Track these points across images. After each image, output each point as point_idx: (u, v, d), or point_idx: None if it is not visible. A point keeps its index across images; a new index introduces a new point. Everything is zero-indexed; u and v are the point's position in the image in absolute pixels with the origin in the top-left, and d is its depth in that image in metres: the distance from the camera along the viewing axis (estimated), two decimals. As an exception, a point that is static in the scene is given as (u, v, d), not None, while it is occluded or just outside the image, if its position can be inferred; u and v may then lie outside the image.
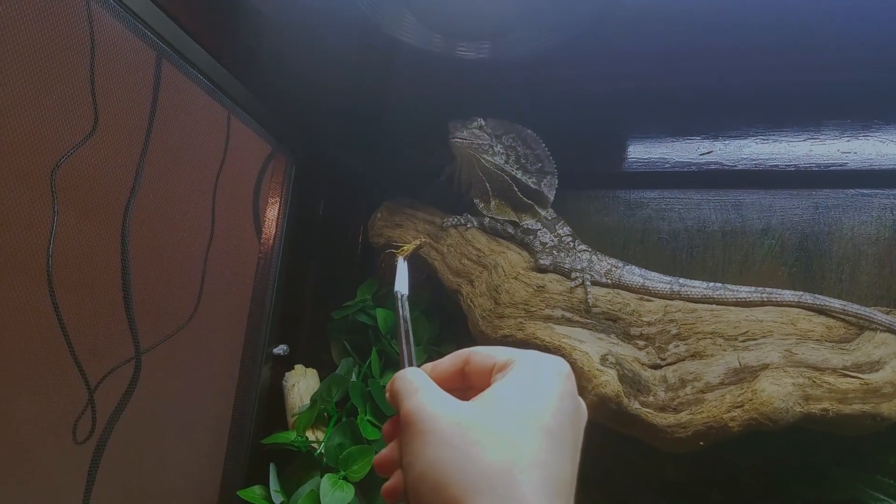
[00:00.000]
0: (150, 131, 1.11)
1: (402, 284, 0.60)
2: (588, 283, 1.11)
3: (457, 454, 0.41)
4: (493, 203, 1.25)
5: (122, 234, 1.06)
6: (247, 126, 1.27)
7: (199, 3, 1.06)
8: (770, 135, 1.29)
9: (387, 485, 0.47)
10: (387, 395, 0.50)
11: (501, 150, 1.24)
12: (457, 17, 1.15)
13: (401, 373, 0.49)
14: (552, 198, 1.25)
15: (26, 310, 1.00)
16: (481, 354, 0.50)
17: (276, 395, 1.28)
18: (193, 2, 1.05)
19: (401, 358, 0.53)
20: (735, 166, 1.29)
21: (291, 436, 1.15)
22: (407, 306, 0.57)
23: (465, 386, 0.49)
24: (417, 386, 0.47)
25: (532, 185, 1.24)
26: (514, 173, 1.23)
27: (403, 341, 0.54)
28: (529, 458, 0.41)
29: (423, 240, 0.76)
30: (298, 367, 1.29)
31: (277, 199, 1.32)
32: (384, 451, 0.49)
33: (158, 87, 1.12)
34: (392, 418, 0.50)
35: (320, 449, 1.12)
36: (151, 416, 1.17)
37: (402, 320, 0.56)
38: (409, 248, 0.71)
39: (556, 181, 1.26)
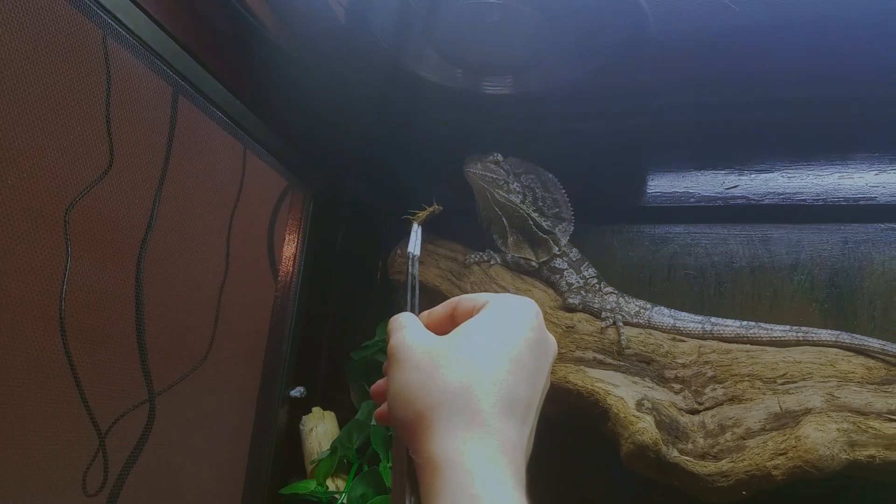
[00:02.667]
0: (166, 168, 1.08)
1: (414, 246, 0.69)
2: (620, 323, 1.07)
3: (423, 376, 0.47)
4: (510, 239, 1.23)
5: (137, 274, 1.02)
6: (263, 161, 1.24)
7: (216, 37, 1.03)
8: (797, 168, 1.27)
9: (379, 409, 0.57)
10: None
11: (518, 189, 1.21)
12: (478, 53, 1.13)
13: (395, 315, 0.56)
14: (564, 242, 1.23)
15: (37, 355, 0.96)
16: (466, 299, 0.56)
17: (293, 440, 1.23)
18: (211, 36, 1.02)
19: (406, 307, 0.61)
20: (762, 200, 1.27)
21: (311, 485, 1.10)
22: (417, 265, 0.67)
23: (454, 328, 0.54)
24: (404, 324, 0.54)
25: (546, 227, 1.21)
26: (529, 212, 1.21)
27: (409, 293, 0.63)
28: (487, 379, 0.46)
29: (437, 207, 0.77)
30: (316, 410, 1.25)
31: (295, 234, 1.29)
32: (380, 382, 0.57)
33: (174, 123, 1.08)
34: None
35: (342, 499, 1.07)
36: (165, 465, 1.13)
37: (410, 276, 0.65)
38: (423, 214, 0.78)
39: (572, 228, 1.24)
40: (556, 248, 1.22)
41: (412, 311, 0.61)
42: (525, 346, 0.50)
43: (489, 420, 0.45)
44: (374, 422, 1.20)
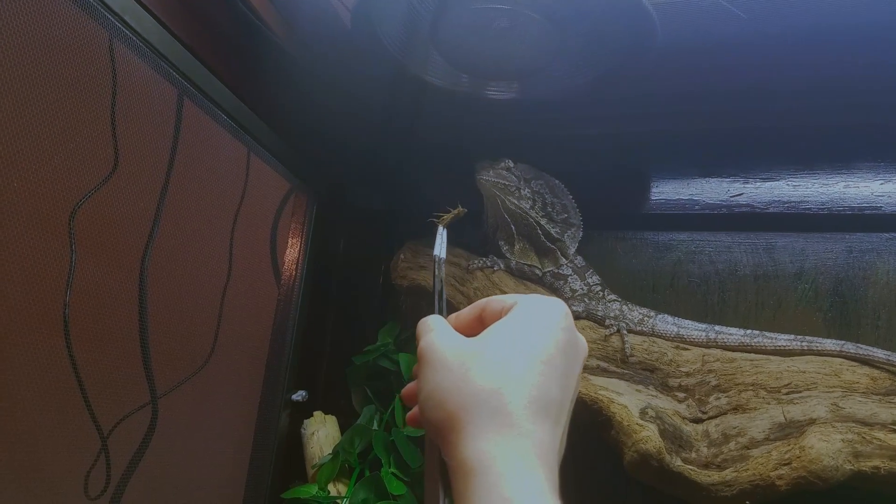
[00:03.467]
0: (171, 170, 1.07)
1: (440, 249, 0.69)
2: (624, 330, 1.07)
3: (456, 377, 0.47)
4: (517, 246, 1.23)
5: (141, 277, 1.02)
6: (266, 164, 1.24)
7: (222, 40, 1.03)
8: (802, 177, 1.26)
9: (410, 412, 0.57)
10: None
11: (528, 195, 1.21)
12: (484, 58, 1.13)
13: (423, 318, 0.57)
14: (574, 249, 1.23)
15: (40, 357, 0.96)
16: (495, 300, 0.56)
17: (295, 444, 1.23)
18: (217, 40, 1.02)
19: (434, 310, 0.61)
20: (766, 209, 1.26)
21: (313, 490, 1.10)
22: (443, 268, 0.66)
23: (482, 330, 0.54)
24: (432, 327, 0.54)
25: (555, 234, 1.21)
26: (538, 219, 1.21)
27: (437, 297, 0.63)
28: (518, 381, 0.46)
29: (461, 209, 0.78)
30: (317, 414, 1.24)
31: (298, 238, 1.28)
32: (410, 385, 0.57)
33: (179, 125, 1.08)
34: None
35: (343, 504, 1.07)
36: (167, 468, 1.12)
37: (437, 280, 0.65)
38: (449, 217, 0.77)
39: (581, 234, 1.24)
40: (563, 259, 1.21)
41: (440, 313, 0.60)
42: (555, 347, 0.50)
43: (521, 422, 0.45)
44: (375, 425, 1.20)
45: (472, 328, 0.56)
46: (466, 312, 0.58)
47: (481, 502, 0.41)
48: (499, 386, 0.46)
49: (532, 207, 1.21)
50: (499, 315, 0.54)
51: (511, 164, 1.20)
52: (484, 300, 0.57)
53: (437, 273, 0.65)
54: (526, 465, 0.43)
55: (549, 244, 1.22)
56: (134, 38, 0.87)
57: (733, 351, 1.08)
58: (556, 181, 1.24)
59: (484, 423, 0.44)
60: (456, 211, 0.80)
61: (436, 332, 0.53)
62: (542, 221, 1.21)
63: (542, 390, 0.47)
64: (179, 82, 0.98)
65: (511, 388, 0.46)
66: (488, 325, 0.53)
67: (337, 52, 1.14)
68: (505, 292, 1.19)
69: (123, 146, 1.01)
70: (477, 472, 0.42)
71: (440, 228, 0.73)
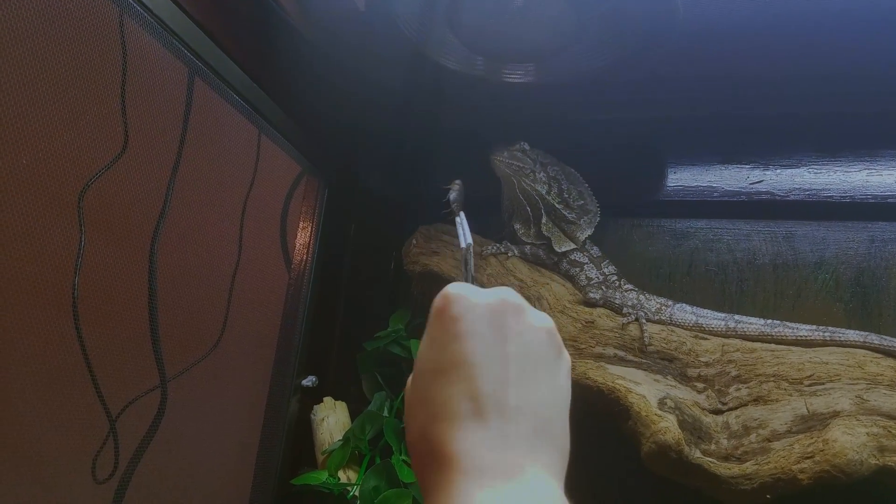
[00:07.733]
0: (181, 151, 1.05)
1: (465, 237, 0.62)
2: (643, 319, 1.05)
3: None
4: (532, 230, 1.21)
5: (150, 258, 1.00)
6: (277, 146, 1.22)
7: (235, 19, 1.01)
8: (824, 164, 1.23)
9: None
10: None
11: (544, 179, 1.19)
12: (501, 40, 1.11)
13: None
14: (588, 234, 1.21)
15: (49, 339, 0.94)
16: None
17: (304, 429, 1.22)
18: (230, 18, 1.00)
19: None
20: (787, 196, 1.24)
21: (323, 476, 1.08)
22: (472, 256, 0.61)
23: None
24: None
25: (570, 218, 1.19)
26: (553, 203, 1.19)
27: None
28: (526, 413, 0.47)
29: (456, 182, 0.76)
30: (327, 400, 1.23)
31: (309, 222, 1.26)
32: None
33: (190, 105, 1.06)
34: None
35: (354, 491, 1.06)
36: (176, 453, 1.11)
37: (467, 270, 0.60)
38: (454, 196, 0.77)
39: (598, 219, 1.22)
40: (571, 244, 1.19)
41: None
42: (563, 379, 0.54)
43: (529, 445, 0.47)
44: (385, 412, 1.18)
45: None
46: None
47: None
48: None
49: (548, 192, 1.19)
50: None
51: (526, 147, 1.18)
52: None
53: (468, 263, 0.61)
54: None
55: (563, 225, 1.20)
56: (145, 15, 0.85)
57: (753, 341, 1.06)
58: (572, 169, 1.22)
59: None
60: (453, 184, 0.77)
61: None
62: (559, 206, 1.19)
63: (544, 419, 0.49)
64: (191, 61, 0.96)
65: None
66: None
67: (351, 33, 1.11)
68: (519, 278, 1.17)
69: (133, 126, 0.99)
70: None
71: (460, 216, 0.68)
